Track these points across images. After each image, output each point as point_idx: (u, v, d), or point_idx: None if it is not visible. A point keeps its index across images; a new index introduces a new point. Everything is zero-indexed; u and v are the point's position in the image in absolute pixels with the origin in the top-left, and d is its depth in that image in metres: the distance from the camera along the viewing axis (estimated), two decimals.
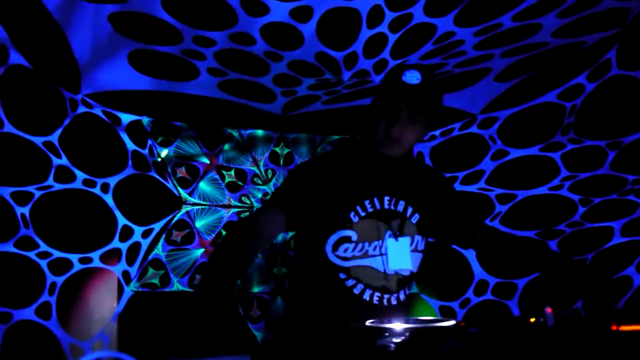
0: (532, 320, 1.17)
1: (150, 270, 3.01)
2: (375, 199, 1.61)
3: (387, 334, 1.06)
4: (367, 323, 1.14)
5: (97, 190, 2.83)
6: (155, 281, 3.01)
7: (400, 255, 1.59)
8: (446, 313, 3.22)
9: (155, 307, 2.98)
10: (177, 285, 3.05)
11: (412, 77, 1.51)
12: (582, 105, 2.90)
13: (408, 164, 1.69)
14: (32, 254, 2.60)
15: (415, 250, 1.64)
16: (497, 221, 3.21)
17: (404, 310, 1.63)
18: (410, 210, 1.65)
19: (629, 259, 2.99)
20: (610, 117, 2.90)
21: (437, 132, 3.28)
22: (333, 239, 1.58)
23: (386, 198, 1.62)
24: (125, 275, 2.93)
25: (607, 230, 3.03)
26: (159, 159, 3.08)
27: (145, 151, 3.02)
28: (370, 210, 1.60)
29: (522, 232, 3.18)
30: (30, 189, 2.59)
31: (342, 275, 1.58)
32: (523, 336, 1.06)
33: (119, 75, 2.70)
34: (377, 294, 1.58)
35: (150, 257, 3.01)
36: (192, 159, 3.16)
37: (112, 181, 2.88)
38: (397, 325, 1.09)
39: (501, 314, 3.14)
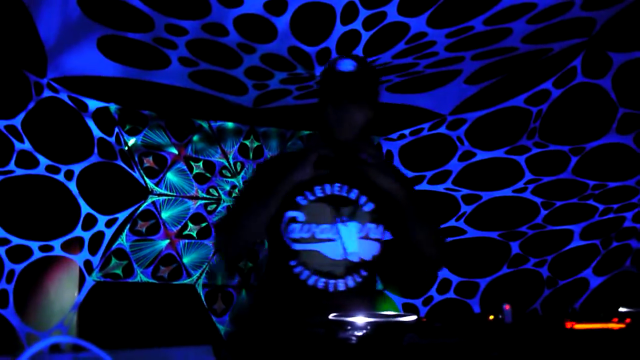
0: (491, 317, 1.20)
1: (114, 260, 2.96)
2: (326, 186, 1.65)
3: (349, 327, 1.07)
4: (331, 316, 1.15)
5: (60, 177, 2.77)
6: (118, 271, 2.97)
7: (347, 242, 1.61)
8: (409, 310, 3.26)
9: (117, 298, 2.94)
10: (140, 276, 3.01)
11: (347, 65, 1.61)
12: (548, 111, 2.97)
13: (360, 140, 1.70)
14: None
15: (366, 237, 1.64)
16: (462, 221, 3.27)
17: (354, 297, 1.62)
18: (363, 199, 1.66)
19: (586, 262, 3.09)
20: (574, 123, 2.98)
21: (406, 132, 3.32)
22: (284, 220, 1.63)
23: (337, 185, 1.66)
24: (87, 264, 2.88)
25: (567, 233, 3.12)
26: (126, 148, 3.03)
27: (112, 139, 2.97)
28: (320, 195, 1.64)
29: (486, 233, 3.25)
30: None
31: (291, 262, 1.61)
32: (481, 332, 1.08)
33: (87, 61, 2.64)
34: (321, 279, 1.60)
35: (113, 246, 2.97)
36: (160, 149, 3.12)
37: (77, 168, 2.82)
38: (360, 319, 1.10)
39: (462, 311, 3.20)
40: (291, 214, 1.62)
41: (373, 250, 1.66)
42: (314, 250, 1.61)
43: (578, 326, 1.11)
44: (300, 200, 1.63)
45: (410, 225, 1.65)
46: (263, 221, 1.59)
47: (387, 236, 1.71)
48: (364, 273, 1.64)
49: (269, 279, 1.70)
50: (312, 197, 1.63)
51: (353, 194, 1.66)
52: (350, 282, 1.62)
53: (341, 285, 1.61)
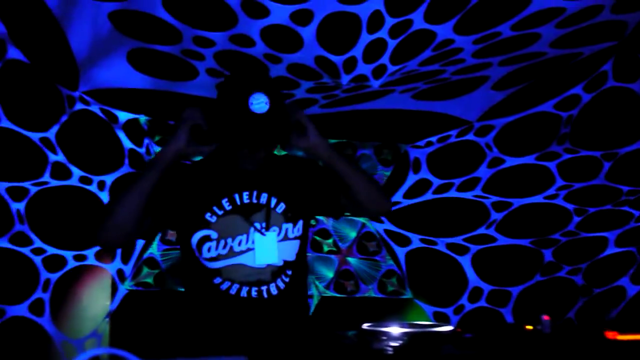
0: (529, 327, 1.18)
1: (145, 269, 3.00)
2: (235, 196, 1.59)
3: (384, 338, 1.06)
4: (364, 326, 1.14)
5: (93, 187, 2.82)
6: (150, 280, 3.00)
7: (267, 249, 1.57)
8: (440, 319, 3.23)
9: (149, 306, 2.97)
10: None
11: (260, 105, 1.44)
12: (579, 116, 2.92)
13: (267, 159, 1.67)
14: (26, 250, 2.59)
15: (285, 239, 1.62)
16: (493, 229, 3.22)
17: (289, 298, 1.60)
18: (274, 200, 1.63)
19: (622, 270, 3.02)
20: (606, 128, 2.92)
21: (433, 139, 3.30)
22: (194, 241, 1.57)
23: (245, 193, 1.60)
24: (120, 273, 2.92)
25: (602, 240, 3.05)
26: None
27: (142, 150, 3.02)
28: (228, 207, 1.58)
29: (517, 241, 3.20)
30: (26, 184, 2.58)
31: (216, 280, 1.56)
32: (520, 343, 1.06)
33: (118, 73, 2.69)
34: (254, 288, 1.56)
35: (145, 255, 3.00)
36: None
37: (109, 179, 2.87)
38: (394, 329, 1.09)
39: (495, 321, 3.15)
40: (202, 233, 1.56)
41: (295, 249, 1.64)
42: (236, 264, 1.56)
43: (620, 337, 1.09)
44: (208, 217, 1.57)
45: (351, 181, 1.62)
46: (140, 195, 1.47)
47: (300, 232, 1.67)
48: (289, 272, 1.61)
49: (197, 304, 1.62)
50: (220, 212, 1.58)
51: (262, 199, 1.61)
52: (280, 283, 1.59)
53: (273, 289, 1.58)
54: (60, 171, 2.69)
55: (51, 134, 2.64)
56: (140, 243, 2.99)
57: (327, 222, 3.34)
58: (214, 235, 1.56)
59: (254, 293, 1.56)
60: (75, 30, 2.40)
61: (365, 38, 2.36)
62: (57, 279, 2.68)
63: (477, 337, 1.11)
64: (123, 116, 2.95)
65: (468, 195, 3.25)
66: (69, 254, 2.74)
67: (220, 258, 1.56)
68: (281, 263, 1.59)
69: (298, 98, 2.95)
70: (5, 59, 2.34)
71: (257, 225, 1.58)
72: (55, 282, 2.68)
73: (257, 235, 1.57)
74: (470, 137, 3.21)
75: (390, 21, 2.26)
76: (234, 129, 1.47)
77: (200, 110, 1.56)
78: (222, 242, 1.56)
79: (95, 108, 2.83)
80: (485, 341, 1.10)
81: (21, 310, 2.55)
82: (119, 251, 2.91)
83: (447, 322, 3.26)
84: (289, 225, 1.62)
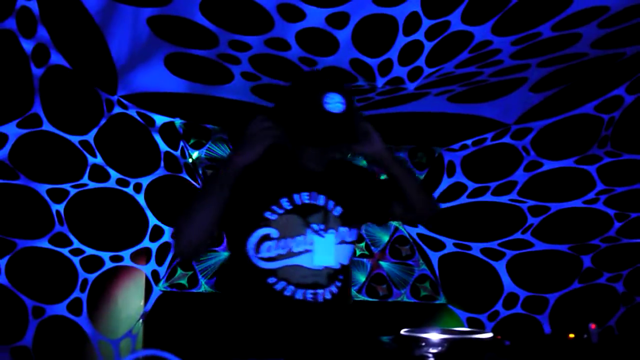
0: (572, 335, 1.14)
1: (179, 271, 3.04)
2: (295, 196, 1.58)
3: (423, 344, 1.05)
4: (403, 332, 1.13)
5: (130, 189, 2.87)
6: (184, 282, 3.04)
7: (326, 251, 1.55)
8: (474, 325, 3.17)
9: (182, 308, 3.00)
10: (204, 287, 3.07)
11: (336, 105, 1.43)
12: (621, 118, 2.84)
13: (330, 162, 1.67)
14: (65, 251, 2.65)
15: (342, 242, 1.61)
16: (529, 233, 3.16)
17: (339, 304, 1.59)
18: (331, 203, 1.62)
19: None
20: None
21: (469, 142, 3.25)
22: (253, 240, 1.54)
23: (304, 194, 1.59)
24: (155, 274, 2.96)
25: None
26: (190, 161, 3.11)
27: (177, 153, 3.06)
28: (288, 207, 1.57)
29: (555, 246, 3.12)
30: (66, 186, 2.64)
31: (270, 280, 1.54)
32: (566, 352, 1.03)
33: (155, 78, 2.74)
34: (309, 291, 1.54)
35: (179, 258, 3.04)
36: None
37: (145, 181, 2.92)
38: (434, 336, 1.07)
39: (532, 328, 3.08)
40: (263, 231, 1.54)
41: (349, 253, 1.63)
42: (294, 265, 1.54)
43: None
44: (269, 215, 1.56)
45: (407, 187, 1.63)
46: (212, 211, 1.45)
47: (355, 237, 1.66)
48: (341, 277, 1.60)
49: (248, 304, 1.59)
50: (280, 211, 1.56)
51: (320, 201, 1.60)
52: (334, 289, 1.58)
53: (327, 294, 1.56)
54: (99, 173, 2.75)
55: (90, 137, 2.69)
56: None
57: None
58: (274, 234, 1.55)
59: (309, 296, 1.54)
60: (115, 36, 2.45)
61: (401, 40, 2.34)
62: (94, 279, 2.74)
63: (520, 345, 1.08)
64: (159, 120, 2.99)
65: (504, 199, 3.19)
66: (106, 255, 2.79)
67: (278, 258, 1.54)
68: (338, 266, 1.59)
69: None
70: (48, 65, 2.40)
71: (315, 226, 1.57)
72: (93, 282, 2.73)
73: (316, 237, 1.56)
74: (506, 140, 3.15)
75: (427, 23, 2.24)
76: (309, 128, 1.45)
77: (268, 117, 1.50)
78: (282, 242, 1.55)
79: (132, 112, 2.88)
80: (528, 349, 1.07)
81: (60, 309, 2.61)
82: (153, 253, 2.95)
83: (481, 328, 3.20)
84: (345, 229, 1.62)
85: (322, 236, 1.56)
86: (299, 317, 1.53)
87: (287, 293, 1.53)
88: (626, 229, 2.97)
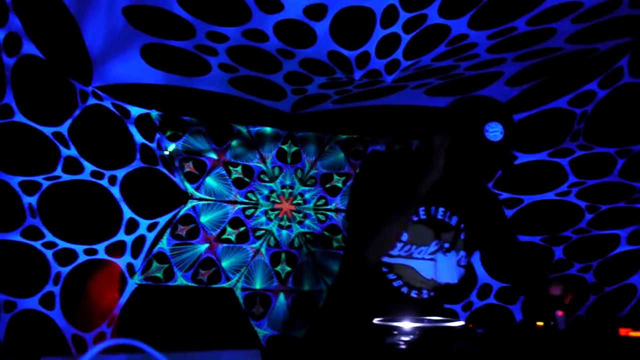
0: (540, 323, 1.17)
1: (155, 264, 3.01)
2: (432, 209, 1.66)
3: (395, 332, 1.06)
4: (375, 321, 1.14)
5: (104, 182, 2.83)
6: (159, 275, 3.02)
7: (446, 269, 1.64)
8: (448, 315, 3.21)
9: (158, 301, 2.98)
10: (180, 280, 3.05)
11: (495, 133, 1.49)
12: (593, 112, 2.89)
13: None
14: (37, 244, 2.61)
15: (457, 264, 1.69)
16: None
17: (435, 304, 1.69)
18: (462, 226, 1.70)
19: (634, 267, 2.99)
20: (620, 125, 2.89)
21: None
22: None
23: (441, 209, 1.67)
24: (130, 267, 2.94)
25: (614, 237, 3.02)
26: (167, 153, 3.08)
27: (154, 145, 3.03)
28: (423, 217, 1.65)
29: (528, 237, 3.17)
30: (38, 178, 2.60)
31: (384, 269, 1.63)
32: (534, 338, 1.05)
33: (131, 69, 2.70)
34: (414, 291, 1.65)
35: (154, 250, 3.02)
36: (199, 154, 3.16)
37: (120, 174, 2.88)
38: (406, 324, 1.08)
39: (504, 317, 3.14)
40: None
41: (459, 275, 1.71)
42: (409, 266, 1.63)
43: (633, 333, 1.08)
44: None
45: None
46: (400, 229, 1.56)
47: (472, 260, 1.76)
48: (446, 291, 1.71)
49: (353, 279, 1.70)
50: (416, 218, 1.64)
51: (453, 221, 1.68)
52: (432, 293, 1.68)
53: (424, 294, 1.66)
54: (73, 165, 2.70)
55: (64, 128, 2.65)
56: (150, 237, 3.00)
57: (336, 217, 3.34)
58: (404, 237, 1.62)
59: (413, 294, 1.65)
60: (90, 25, 2.41)
61: (379, 33, 2.34)
62: (67, 273, 2.70)
63: (489, 332, 1.10)
64: (135, 111, 2.96)
65: None
66: (79, 248, 2.76)
67: (399, 257, 1.63)
68: (443, 283, 1.67)
69: (311, 94, 2.94)
70: (20, 54, 2.35)
71: (441, 242, 1.65)
72: (66, 276, 2.70)
73: (440, 255, 1.64)
74: None
75: (404, 15, 2.24)
76: (469, 155, 1.52)
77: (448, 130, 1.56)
78: (407, 247, 1.63)
79: (107, 103, 2.84)
80: (497, 336, 1.10)
81: (32, 303, 2.56)
82: (128, 245, 2.92)
83: (455, 318, 3.24)
84: (464, 253, 1.70)
85: (445, 256, 1.64)
86: (400, 305, 1.64)
87: (396, 284, 1.63)
88: (597, 220, 3.03)
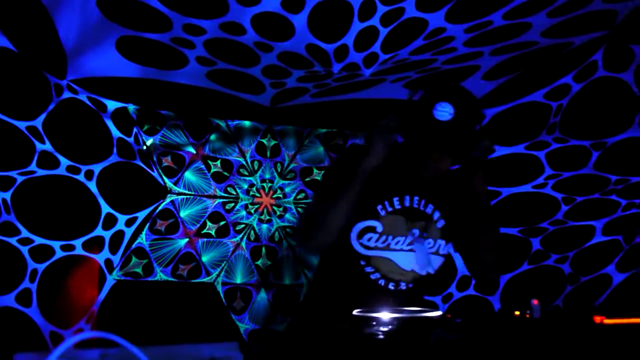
0: (517, 313, 1.19)
1: (134, 259, 2.99)
2: (406, 198, 1.65)
3: (374, 323, 1.07)
4: (355, 312, 1.15)
5: (81, 177, 2.79)
6: (138, 270, 2.99)
7: (421, 257, 1.64)
8: (429, 307, 3.24)
9: (137, 296, 2.96)
10: (160, 275, 3.03)
11: (444, 113, 1.48)
12: (568, 105, 2.93)
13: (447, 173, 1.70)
14: (13, 240, 2.57)
15: (436, 253, 1.69)
16: None
17: (414, 296, 1.68)
18: (437, 214, 1.70)
19: (609, 258, 3.05)
20: (595, 118, 2.94)
21: None
22: (358, 227, 1.63)
23: (415, 198, 1.67)
24: (108, 263, 2.90)
25: (589, 228, 3.08)
26: (145, 147, 3.05)
27: (131, 139, 2.99)
28: (398, 207, 1.65)
29: (506, 229, 3.22)
30: (13, 174, 2.55)
31: (362, 262, 1.63)
32: (510, 327, 1.07)
33: (106, 62, 2.66)
34: (391, 283, 1.65)
35: (133, 245, 2.99)
36: (178, 148, 3.14)
37: (97, 168, 2.85)
38: (385, 315, 1.09)
39: (483, 308, 3.18)
40: (370, 223, 1.63)
41: (438, 264, 1.71)
42: (387, 258, 1.64)
43: (607, 321, 1.10)
44: (379, 210, 1.64)
45: (481, 240, 1.67)
46: (345, 212, 1.56)
47: (451, 250, 1.74)
48: (426, 283, 1.71)
49: (332, 271, 1.70)
50: (390, 209, 1.64)
51: (428, 209, 1.68)
52: (411, 285, 1.68)
53: (402, 286, 1.67)
54: (48, 160, 2.66)
55: (38, 122, 2.60)
56: (128, 233, 2.97)
57: None
58: (379, 228, 1.63)
59: (390, 286, 1.65)
60: (64, 18, 2.36)
61: (357, 26, 2.35)
62: (44, 269, 2.66)
63: (467, 322, 1.12)
64: (111, 105, 2.92)
65: None
66: (56, 244, 2.72)
67: (376, 249, 1.63)
68: (424, 273, 1.67)
69: (289, 87, 2.93)
70: None
71: (416, 232, 1.65)
72: (43, 272, 2.66)
73: (417, 243, 1.64)
74: None
75: (382, 9, 2.25)
76: (417, 135, 1.53)
77: (396, 116, 1.58)
78: (384, 237, 1.63)
79: (83, 97, 2.80)
80: (474, 326, 1.11)
81: (8, 300, 2.53)
82: (107, 241, 2.89)
83: (436, 309, 3.27)
84: (442, 242, 1.69)
85: (421, 244, 1.64)
86: (378, 297, 1.63)
87: (373, 277, 1.63)
88: (572, 212, 3.09)
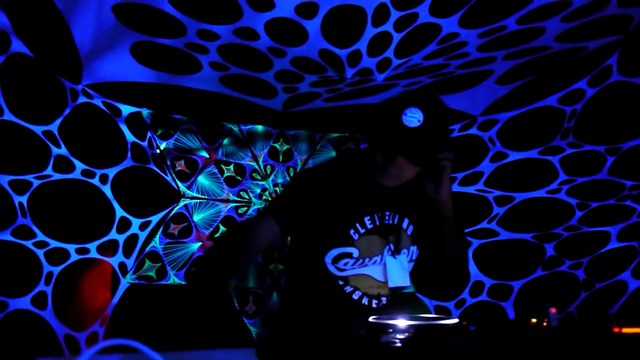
0: (534, 320, 1.18)
1: (147, 263, 3.00)
2: (376, 216, 1.61)
3: (391, 330, 1.06)
4: (371, 319, 1.14)
5: (95, 181, 2.82)
6: (152, 274, 3.01)
7: (398, 272, 1.61)
8: (441, 313, 3.23)
9: (151, 300, 2.97)
10: (173, 279, 3.04)
11: (413, 119, 1.43)
12: (582, 110, 2.91)
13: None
14: (29, 243, 2.59)
15: (410, 260, 1.66)
16: (495, 223, 3.22)
17: (393, 307, 1.65)
18: (405, 222, 1.66)
19: (624, 264, 3.02)
20: (610, 123, 2.91)
21: None
22: (333, 253, 1.59)
23: (387, 213, 1.63)
24: (122, 266, 2.92)
25: (604, 234, 3.05)
26: (158, 152, 3.07)
27: (145, 143, 3.01)
28: (369, 226, 1.61)
29: (519, 235, 3.20)
30: (29, 177, 2.58)
31: (340, 282, 1.61)
32: (528, 336, 1.06)
33: (121, 67, 2.68)
34: (374, 300, 1.63)
35: (147, 249, 3.01)
36: (191, 153, 3.15)
37: (111, 172, 2.87)
38: (401, 322, 1.09)
39: (497, 314, 3.16)
40: (345, 249, 1.59)
41: (411, 269, 1.68)
42: (363, 274, 1.61)
43: (626, 330, 1.09)
44: (352, 234, 1.60)
45: (445, 242, 1.62)
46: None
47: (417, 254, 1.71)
48: (401, 290, 1.68)
49: (308, 290, 1.66)
50: (362, 230, 1.60)
51: (397, 220, 1.64)
52: (390, 297, 1.66)
53: (384, 300, 1.64)
54: (63, 164, 2.69)
55: (54, 127, 2.63)
56: (142, 236, 2.99)
57: None
58: (355, 253, 1.59)
59: (373, 304, 1.63)
60: (79, 23, 2.39)
61: (370, 31, 2.35)
62: (59, 272, 2.68)
63: (484, 330, 1.11)
64: (126, 109, 2.94)
65: (470, 189, 3.25)
66: (71, 247, 2.74)
67: (352, 269, 1.61)
68: (403, 285, 1.64)
69: (302, 92, 2.94)
70: (9, 52, 2.33)
71: (391, 247, 1.61)
72: (58, 275, 2.68)
73: (389, 258, 1.60)
74: (473, 131, 3.21)
75: (395, 14, 2.25)
76: (384, 139, 1.49)
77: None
78: (360, 261, 1.60)
79: (98, 101, 2.83)
80: (491, 334, 1.10)
81: (24, 303, 2.55)
82: (120, 245, 2.91)
83: (449, 315, 3.26)
84: (414, 248, 1.66)
85: (395, 258, 1.60)
86: (354, 314, 1.60)
87: (355, 297, 1.61)
88: (587, 217, 3.06)
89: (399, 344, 1.01)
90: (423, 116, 1.42)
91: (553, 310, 1.09)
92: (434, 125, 1.43)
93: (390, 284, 1.60)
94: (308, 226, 1.60)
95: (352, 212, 1.60)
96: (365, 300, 1.61)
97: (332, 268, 1.60)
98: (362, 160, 1.64)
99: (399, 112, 1.43)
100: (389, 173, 1.54)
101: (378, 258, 1.61)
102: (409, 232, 1.65)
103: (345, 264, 1.59)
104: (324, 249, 1.59)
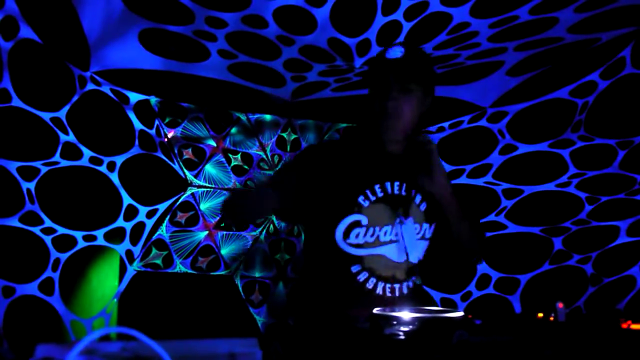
0: (540, 315, 1.16)
1: (154, 251, 3.01)
2: (387, 184, 1.61)
3: (395, 323, 1.05)
4: (375, 311, 1.13)
5: (103, 168, 2.82)
6: (158, 262, 3.01)
7: (409, 240, 1.59)
8: (447, 305, 3.22)
9: (157, 288, 2.99)
10: (179, 267, 3.05)
11: (395, 52, 1.57)
12: (594, 103, 2.87)
13: (415, 153, 1.65)
14: (36, 230, 2.60)
15: (422, 238, 1.64)
16: (503, 216, 3.20)
17: (411, 299, 1.64)
18: (418, 198, 1.65)
19: (633, 259, 2.99)
20: (622, 116, 2.87)
21: (445, 124, 3.26)
22: (343, 225, 1.57)
23: (396, 183, 1.63)
24: (129, 254, 2.93)
25: (613, 229, 3.02)
26: (166, 140, 3.06)
27: (153, 131, 3.01)
28: (380, 194, 1.60)
29: (527, 228, 3.17)
30: (37, 164, 2.58)
31: (354, 269, 1.58)
32: (534, 330, 1.05)
33: (129, 54, 2.67)
34: (388, 285, 1.60)
35: (154, 237, 3.01)
36: (199, 141, 3.15)
37: (119, 160, 2.87)
38: (405, 314, 1.08)
39: (503, 308, 3.14)
40: (354, 217, 1.58)
41: (425, 249, 1.67)
42: (378, 255, 1.59)
43: (635, 326, 1.07)
44: (362, 201, 1.59)
45: (452, 221, 1.63)
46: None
47: (432, 234, 1.69)
48: (417, 271, 1.66)
49: (321, 282, 1.64)
50: (373, 198, 1.60)
51: (410, 193, 1.64)
52: (410, 283, 1.64)
53: (405, 288, 1.63)
54: (71, 151, 2.69)
55: (62, 114, 2.63)
56: (149, 224, 2.99)
57: None
58: (364, 221, 1.58)
59: (387, 291, 1.60)
60: (87, 10, 2.38)
61: (380, 20, 2.32)
62: (66, 259, 2.70)
63: (490, 323, 1.10)
64: (134, 97, 2.94)
65: (479, 181, 3.22)
66: (78, 234, 2.75)
67: (365, 246, 1.58)
68: (416, 260, 1.64)
69: (310, 81, 2.92)
70: (17, 38, 2.32)
71: (403, 218, 1.61)
72: (65, 262, 2.69)
73: (400, 226, 1.59)
74: (482, 123, 3.17)
75: (406, 3, 2.22)
76: (374, 75, 1.59)
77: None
78: (371, 230, 1.58)
79: (106, 88, 2.82)
80: (497, 328, 1.09)
81: (31, 289, 2.56)
82: (128, 232, 2.92)
83: (454, 308, 3.25)
84: (427, 225, 1.65)
85: (405, 225, 1.60)
86: (369, 306, 1.54)
87: (369, 286, 1.58)
88: (596, 212, 3.03)
89: (402, 337, 1.00)
90: (404, 50, 1.56)
91: (560, 304, 1.08)
92: (415, 55, 1.58)
93: (402, 255, 1.58)
94: (315, 200, 1.59)
95: (361, 180, 1.60)
96: (379, 289, 1.59)
97: (344, 245, 1.58)
98: (368, 131, 1.65)
99: (384, 51, 1.59)
100: (387, 113, 1.56)
101: (388, 228, 1.59)
102: (422, 208, 1.65)
103: (357, 235, 1.57)
104: (334, 221, 1.58)
